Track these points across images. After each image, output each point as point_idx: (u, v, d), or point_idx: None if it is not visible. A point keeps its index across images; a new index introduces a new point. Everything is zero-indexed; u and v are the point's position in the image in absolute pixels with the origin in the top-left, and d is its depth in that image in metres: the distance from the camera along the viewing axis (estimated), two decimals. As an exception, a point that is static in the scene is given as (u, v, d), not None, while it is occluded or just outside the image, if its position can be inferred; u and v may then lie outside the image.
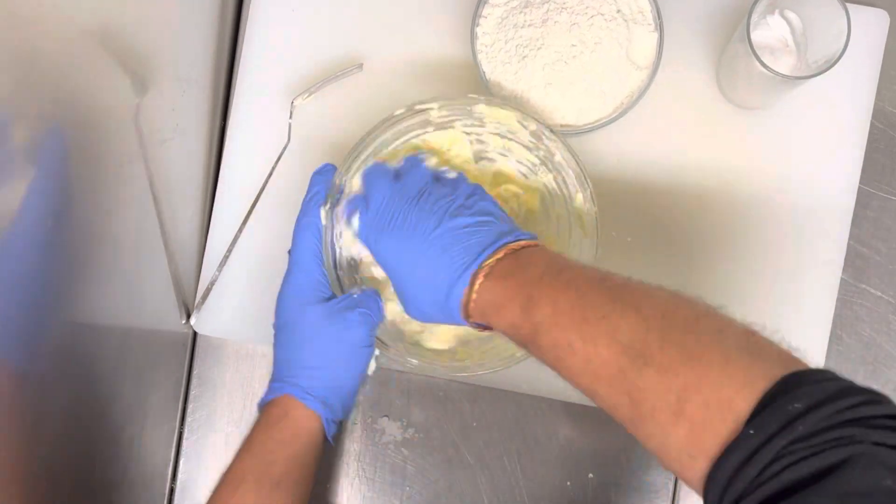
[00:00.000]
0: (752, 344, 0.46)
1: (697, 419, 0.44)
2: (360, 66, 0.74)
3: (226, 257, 0.74)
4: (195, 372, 0.77)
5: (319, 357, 0.63)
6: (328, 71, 0.74)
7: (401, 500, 0.76)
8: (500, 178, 0.70)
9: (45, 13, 0.46)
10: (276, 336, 0.65)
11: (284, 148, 0.75)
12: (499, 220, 0.59)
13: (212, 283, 0.74)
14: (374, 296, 0.65)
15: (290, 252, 0.65)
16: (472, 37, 0.70)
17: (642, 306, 0.49)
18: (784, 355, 0.45)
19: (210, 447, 0.77)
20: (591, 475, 0.76)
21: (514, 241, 0.57)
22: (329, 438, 0.64)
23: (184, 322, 0.75)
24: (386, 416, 0.77)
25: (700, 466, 0.43)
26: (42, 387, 0.53)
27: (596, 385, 0.49)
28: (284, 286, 0.65)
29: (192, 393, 0.77)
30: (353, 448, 0.77)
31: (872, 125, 0.74)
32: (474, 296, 0.56)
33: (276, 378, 0.64)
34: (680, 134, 0.74)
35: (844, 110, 0.74)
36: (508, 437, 0.76)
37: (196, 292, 0.76)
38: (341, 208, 0.64)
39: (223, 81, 0.77)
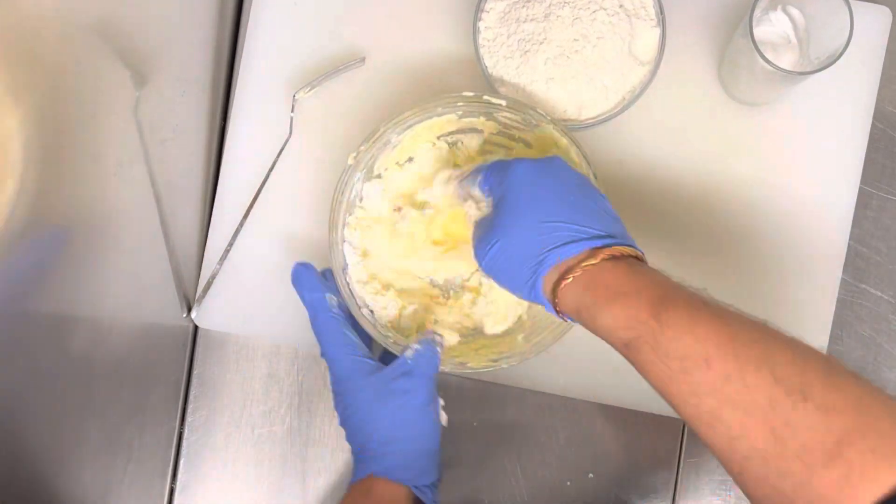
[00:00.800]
0: None
1: (857, 465, 0.41)
2: (363, 60, 0.74)
3: (227, 251, 0.74)
4: (195, 372, 0.77)
5: (388, 431, 0.62)
6: (330, 65, 0.75)
7: (401, 500, 0.76)
8: None
9: (45, 8, 0.46)
10: (344, 424, 0.64)
11: (286, 142, 0.75)
12: (621, 225, 0.57)
13: (213, 277, 0.74)
14: (428, 347, 0.63)
15: (323, 355, 0.65)
16: (475, 31, 0.70)
17: (799, 344, 0.46)
18: None
19: (210, 447, 0.77)
20: (591, 475, 0.76)
21: (637, 250, 0.54)
22: (431, 501, 0.63)
23: (185, 315, 0.75)
24: (386, 416, 0.77)
25: None
26: (43, 381, 0.53)
27: (725, 410, 0.45)
28: (333, 386, 0.65)
29: (192, 393, 0.77)
30: (353, 448, 0.77)
31: (872, 125, 0.74)
32: (579, 272, 0.52)
33: (358, 459, 0.64)
34: (681, 130, 0.74)
35: (846, 107, 0.74)
36: (508, 437, 0.76)
37: (197, 286, 0.76)
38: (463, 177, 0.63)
39: (223, 78, 0.77)
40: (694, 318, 0.47)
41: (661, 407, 0.73)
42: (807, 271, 0.73)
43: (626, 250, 0.53)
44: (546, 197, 0.56)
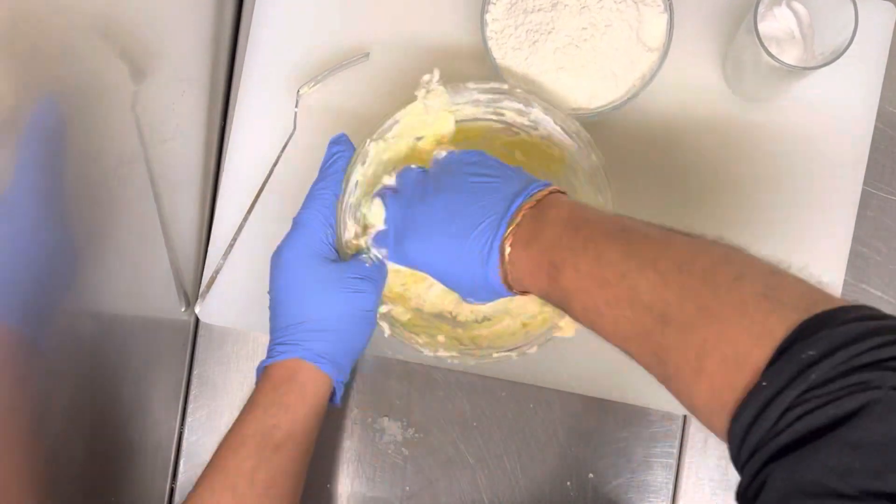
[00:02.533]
0: (772, 288, 0.44)
1: (717, 375, 0.43)
2: (367, 55, 0.74)
3: (230, 246, 0.74)
4: (195, 372, 0.77)
5: (331, 320, 0.61)
6: (334, 60, 0.74)
7: (401, 500, 0.76)
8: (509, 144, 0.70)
9: (44, 4, 0.46)
10: (275, 298, 0.63)
11: (290, 136, 0.75)
12: (507, 179, 0.58)
13: (216, 272, 0.74)
14: (382, 267, 0.64)
15: (297, 215, 0.64)
16: (482, 23, 0.70)
17: (659, 260, 0.48)
18: (806, 296, 0.43)
19: (210, 447, 0.77)
20: (591, 475, 0.76)
21: (528, 199, 0.56)
22: (337, 401, 0.63)
23: (183, 310, 0.75)
24: (386, 416, 0.76)
25: (722, 422, 0.43)
26: (49, 376, 0.53)
27: (627, 346, 0.49)
28: (286, 246, 0.63)
29: (192, 393, 0.77)
30: (353, 448, 0.77)
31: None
32: (508, 268, 0.56)
33: (281, 341, 0.62)
34: (684, 125, 0.74)
35: (850, 104, 0.74)
36: (508, 437, 0.76)
37: (196, 281, 0.76)
38: (369, 239, 0.64)
39: (223, 75, 0.77)
40: (579, 273, 0.51)
41: (661, 402, 0.74)
42: (810, 271, 0.73)
43: (517, 219, 0.55)
44: (444, 252, 0.59)
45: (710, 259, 0.47)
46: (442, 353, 0.65)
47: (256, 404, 0.61)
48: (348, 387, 0.76)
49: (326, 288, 0.61)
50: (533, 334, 0.66)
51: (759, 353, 0.41)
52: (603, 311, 0.49)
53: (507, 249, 0.55)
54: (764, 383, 0.40)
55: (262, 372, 0.62)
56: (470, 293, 0.61)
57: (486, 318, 0.70)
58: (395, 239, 0.62)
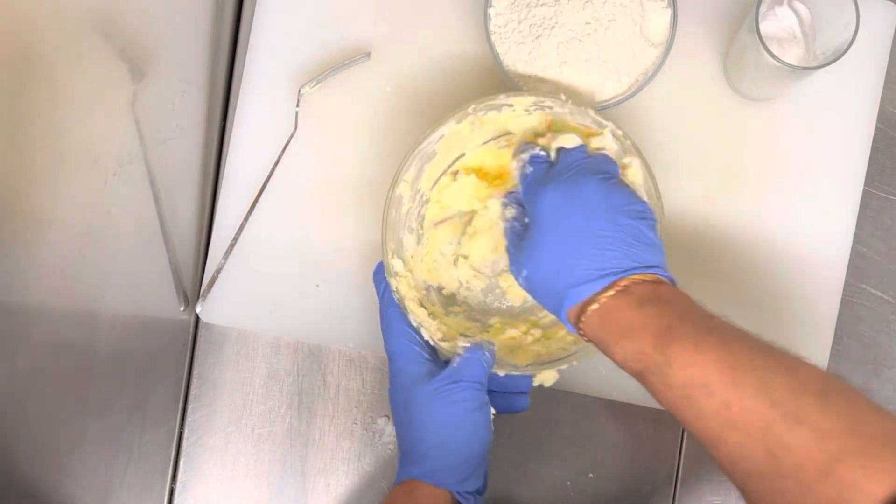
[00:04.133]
0: None
1: (848, 481, 0.43)
2: (368, 54, 0.74)
3: (232, 245, 0.74)
4: (195, 372, 0.77)
5: (435, 435, 0.62)
6: (336, 59, 0.74)
7: (401, 500, 0.76)
8: None
9: (43, 3, 0.46)
10: (396, 428, 0.65)
11: (291, 136, 0.75)
12: (653, 247, 0.58)
13: (217, 271, 0.74)
14: (477, 353, 0.64)
15: (385, 347, 0.66)
16: (486, 18, 0.70)
17: (799, 369, 0.48)
18: None
19: (210, 447, 0.77)
20: (591, 475, 0.76)
21: (658, 274, 0.56)
22: None
23: (182, 309, 0.75)
24: (386, 416, 0.76)
25: None
26: (48, 375, 0.53)
27: (726, 432, 0.48)
28: (391, 380, 0.65)
29: (192, 393, 0.77)
30: (353, 448, 0.76)
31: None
32: (596, 306, 0.55)
33: (403, 462, 0.64)
34: (685, 125, 0.74)
35: (851, 104, 0.74)
36: (509, 437, 0.76)
37: (196, 281, 0.76)
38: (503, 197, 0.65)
39: (223, 75, 0.77)
40: (697, 348, 0.50)
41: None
42: (809, 272, 0.73)
43: (646, 277, 0.55)
44: (570, 230, 0.57)
45: (847, 386, 0.48)
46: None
47: None
48: (355, 392, 0.76)
49: (425, 406, 0.62)
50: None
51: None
52: (715, 390, 0.48)
53: (609, 293, 0.54)
54: None
55: (391, 489, 0.64)
56: (538, 281, 0.59)
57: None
58: (555, 169, 0.60)
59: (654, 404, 0.74)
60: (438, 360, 0.66)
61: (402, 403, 0.64)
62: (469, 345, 0.64)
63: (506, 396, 0.68)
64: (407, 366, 0.64)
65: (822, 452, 0.45)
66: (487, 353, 0.64)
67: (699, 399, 0.49)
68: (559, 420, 0.76)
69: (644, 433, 0.76)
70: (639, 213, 0.58)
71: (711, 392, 0.49)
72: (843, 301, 0.74)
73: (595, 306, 0.55)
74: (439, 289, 0.72)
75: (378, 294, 0.67)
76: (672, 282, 0.57)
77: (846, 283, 0.74)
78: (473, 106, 0.65)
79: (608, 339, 0.55)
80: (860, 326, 0.75)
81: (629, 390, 0.74)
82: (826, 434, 0.45)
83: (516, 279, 0.62)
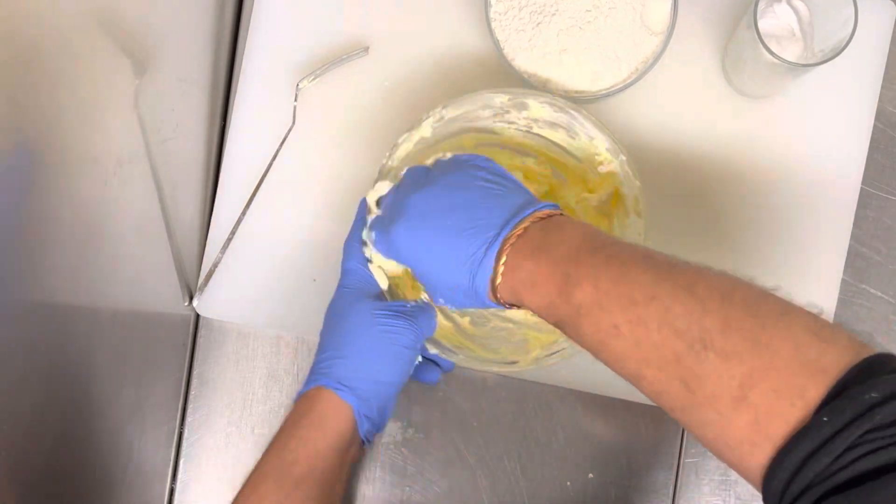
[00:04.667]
0: (820, 329, 0.44)
1: (763, 406, 0.42)
2: (366, 49, 0.75)
3: (229, 239, 0.74)
4: (195, 372, 0.77)
5: (360, 352, 0.61)
6: (334, 54, 0.75)
7: (401, 500, 0.76)
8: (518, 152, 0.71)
9: (44, 3, 0.46)
10: (320, 339, 0.64)
11: (289, 130, 0.75)
12: (515, 189, 0.57)
13: (215, 266, 0.74)
14: (427, 310, 0.63)
15: (342, 265, 0.65)
16: (486, 4, 0.70)
17: (696, 287, 0.47)
18: (853, 341, 0.44)
19: (210, 447, 0.77)
20: (591, 475, 0.76)
21: (538, 210, 0.54)
22: (363, 436, 0.62)
23: (186, 304, 0.75)
24: (386, 416, 0.77)
25: (762, 455, 0.42)
26: (47, 375, 0.53)
27: (643, 369, 0.47)
28: (337, 291, 0.64)
29: (192, 393, 0.77)
30: (353, 448, 0.77)
31: (872, 125, 0.74)
32: (501, 274, 0.54)
33: (312, 372, 0.62)
34: (683, 120, 0.74)
35: (849, 102, 0.74)
36: (508, 437, 0.76)
37: (198, 275, 0.76)
38: (368, 227, 0.63)
39: (224, 69, 0.78)
40: (598, 289, 0.49)
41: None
42: (807, 269, 0.73)
43: (523, 224, 0.54)
44: (432, 243, 0.57)
45: (749, 292, 0.47)
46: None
47: (278, 438, 0.61)
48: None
49: (358, 320, 0.61)
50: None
51: (814, 389, 0.41)
52: (623, 330, 0.47)
53: (504, 256, 0.53)
54: (825, 419, 0.40)
55: (295, 400, 0.63)
56: (448, 295, 0.58)
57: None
58: (383, 223, 0.60)
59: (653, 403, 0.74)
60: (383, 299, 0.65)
61: (339, 313, 0.63)
62: (426, 301, 0.64)
63: (426, 364, 0.68)
64: (359, 284, 0.63)
65: (731, 379, 0.43)
66: (435, 319, 0.64)
67: (611, 342, 0.48)
68: (559, 420, 0.76)
69: (644, 433, 0.76)
70: (476, 167, 0.58)
71: (621, 333, 0.48)
72: (842, 301, 0.74)
73: (501, 274, 0.54)
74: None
75: (356, 217, 0.66)
76: (553, 208, 0.55)
77: (846, 283, 0.74)
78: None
79: (523, 301, 0.53)
80: (860, 326, 0.75)
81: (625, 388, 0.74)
82: (732, 357, 0.44)
83: (424, 281, 0.60)
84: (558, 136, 0.69)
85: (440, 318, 0.70)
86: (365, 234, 0.63)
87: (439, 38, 0.75)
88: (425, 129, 0.67)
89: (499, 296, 0.55)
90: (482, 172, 0.58)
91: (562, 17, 0.68)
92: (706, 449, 0.48)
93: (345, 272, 0.65)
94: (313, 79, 0.75)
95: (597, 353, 0.50)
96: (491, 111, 0.68)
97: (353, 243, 0.65)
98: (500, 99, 0.66)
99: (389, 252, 0.60)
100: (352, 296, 0.63)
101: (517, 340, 0.69)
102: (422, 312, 0.63)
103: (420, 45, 0.75)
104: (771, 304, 0.46)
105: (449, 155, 0.62)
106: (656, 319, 0.46)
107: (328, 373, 0.61)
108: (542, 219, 0.54)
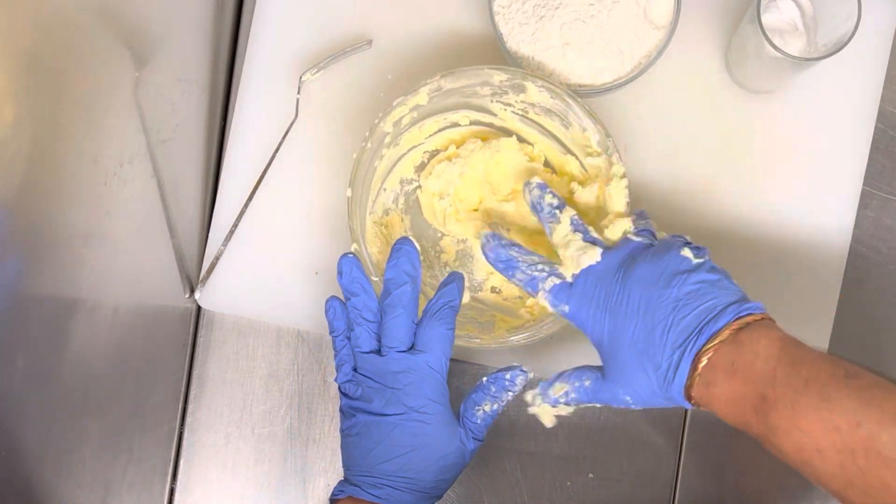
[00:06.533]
0: None
1: None
2: (369, 42, 0.75)
3: (231, 232, 0.74)
4: (195, 372, 0.77)
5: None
6: (337, 47, 0.75)
7: (401, 500, 0.76)
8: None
9: (44, 3, 0.46)
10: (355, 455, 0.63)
11: (292, 123, 0.75)
12: (719, 286, 0.55)
13: (216, 258, 0.74)
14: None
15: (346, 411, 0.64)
16: None
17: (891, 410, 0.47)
18: None
19: (210, 447, 0.77)
20: (591, 475, 0.76)
21: (736, 320, 0.53)
22: None
23: (187, 296, 0.75)
24: (386, 416, 0.76)
25: None
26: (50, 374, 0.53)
27: (847, 491, 0.48)
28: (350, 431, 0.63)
29: (192, 393, 0.77)
30: (353, 448, 0.76)
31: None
32: (696, 381, 0.53)
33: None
34: (686, 114, 0.74)
35: (851, 98, 0.74)
36: (508, 438, 0.76)
37: (200, 268, 0.76)
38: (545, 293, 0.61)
39: (224, 65, 0.78)
40: (796, 412, 0.49)
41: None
42: (807, 267, 0.73)
43: (721, 336, 0.53)
44: (626, 332, 0.56)
45: None
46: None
47: None
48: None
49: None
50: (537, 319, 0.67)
51: None
52: (827, 455, 0.48)
53: (702, 365, 0.53)
54: None
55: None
56: (636, 394, 0.57)
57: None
58: (578, 298, 0.59)
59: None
60: None
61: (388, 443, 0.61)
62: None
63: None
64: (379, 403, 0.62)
65: None
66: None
67: (814, 462, 0.49)
68: (559, 420, 0.76)
69: (644, 433, 0.76)
70: (677, 265, 0.56)
71: (825, 457, 0.48)
72: (843, 301, 0.74)
73: (697, 382, 0.53)
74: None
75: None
76: (754, 309, 0.54)
77: (846, 283, 0.74)
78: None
79: (718, 413, 0.54)
80: (860, 326, 0.75)
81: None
82: None
83: (615, 380, 0.58)
84: (552, 125, 0.69)
85: None
86: (543, 289, 0.61)
87: (443, 32, 0.75)
88: (422, 97, 0.67)
89: (693, 401, 0.55)
90: (684, 268, 0.56)
91: (565, 11, 0.68)
92: None
93: (349, 414, 0.63)
94: (316, 72, 0.75)
95: (798, 468, 0.51)
96: (489, 89, 0.68)
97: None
98: (499, 77, 0.67)
99: (588, 329, 0.59)
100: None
101: (485, 321, 0.70)
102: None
103: (423, 39, 0.75)
104: None
105: (636, 238, 0.60)
106: (863, 448, 0.47)
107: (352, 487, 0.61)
108: (741, 328, 0.53)
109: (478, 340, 0.66)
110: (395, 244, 0.62)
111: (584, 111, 0.65)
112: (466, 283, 0.71)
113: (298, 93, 0.75)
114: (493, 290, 0.73)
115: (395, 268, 0.61)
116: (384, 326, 0.61)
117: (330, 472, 0.76)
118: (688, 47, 0.73)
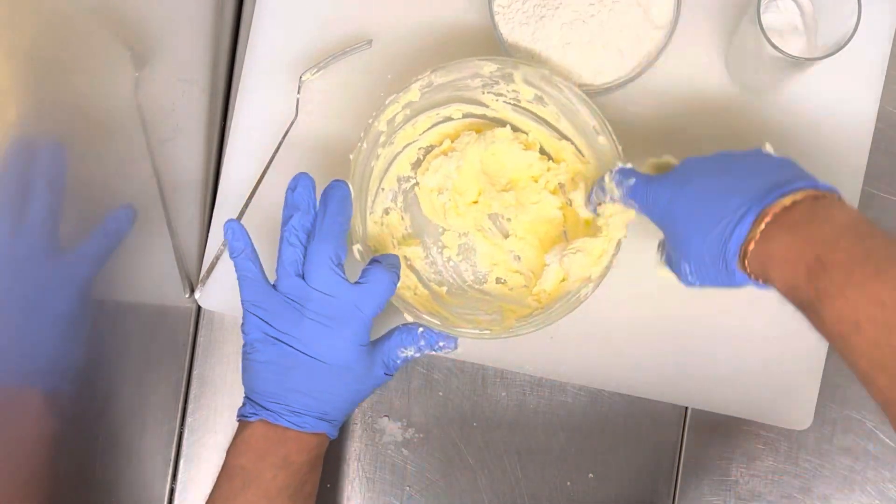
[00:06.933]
0: None
1: None
2: (370, 42, 0.75)
3: None
4: (195, 372, 0.77)
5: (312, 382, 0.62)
6: (337, 46, 0.75)
7: (401, 501, 0.76)
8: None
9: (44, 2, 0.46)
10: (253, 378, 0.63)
11: (292, 123, 0.75)
12: (790, 165, 0.54)
13: (216, 258, 0.75)
14: (377, 271, 0.62)
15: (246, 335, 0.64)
16: None
17: None
18: None
19: (210, 447, 0.77)
20: (591, 475, 0.76)
21: (814, 188, 0.52)
22: (333, 436, 0.64)
23: (187, 296, 0.75)
24: (386, 416, 0.76)
25: None
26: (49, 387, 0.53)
27: (876, 373, 0.46)
28: (246, 357, 0.64)
29: (192, 393, 0.77)
30: (353, 448, 0.76)
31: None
32: (754, 243, 0.51)
33: (259, 406, 0.62)
34: (685, 114, 0.74)
35: (851, 102, 0.73)
36: (508, 437, 0.76)
37: (200, 267, 0.76)
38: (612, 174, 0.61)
39: (224, 65, 0.78)
40: (849, 280, 0.47)
41: (661, 393, 0.74)
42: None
43: (794, 196, 0.52)
44: (693, 200, 0.56)
45: None
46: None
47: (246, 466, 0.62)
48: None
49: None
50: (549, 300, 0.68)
51: None
52: (864, 328, 0.46)
53: (764, 223, 0.51)
54: None
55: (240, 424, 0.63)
56: (696, 259, 0.56)
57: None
58: (645, 175, 0.59)
59: (653, 401, 0.74)
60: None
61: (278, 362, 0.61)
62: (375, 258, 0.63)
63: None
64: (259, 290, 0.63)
65: None
66: (388, 273, 0.62)
67: (850, 337, 0.47)
68: (559, 420, 0.76)
69: (644, 433, 0.76)
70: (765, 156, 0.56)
71: (860, 330, 0.46)
72: (843, 301, 0.74)
73: (754, 244, 0.51)
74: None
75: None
76: (831, 191, 0.53)
77: (846, 283, 0.74)
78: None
79: (769, 277, 0.51)
80: (860, 326, 0.75)
81: (627, 382, 0.74)
82: None
83: (675, 241, 0.58)
84: (545, 112, 0.69)
85: (417, 285, 0.70)
86: (608, 181, 0.62)
87: (443, 32, 0.75)
88: (413, 93, 0.67)
89: (747, 264, 0.53)
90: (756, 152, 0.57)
91: (565, 11, 0.68)
92: None
93: (254, 340, 0.62)
94: (316, 71, 0.75)
95: (833, 343, 0.49)
96: (480, 80, 0.69)
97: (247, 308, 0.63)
98: (489, 68, 0.67)
99: (646, 203, 0.59)
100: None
101: (493, 313, 0.70)
102: (375, 274, 0.61)
103: (424, 38, 0.75)
104: None
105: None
106: None
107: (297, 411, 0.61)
108: (815, 198, 0.52)
109: (488, 332, 0.66)
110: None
111: (576, 95, 0.66)
112: (471, 277, 0.72)
113: (298, 92, 0.75)
114: (497, 280, 0.73)
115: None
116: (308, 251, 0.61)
117: (329, 472, 0.76)
118: (688, 47, 0.73)
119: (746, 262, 0.52)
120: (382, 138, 0.69)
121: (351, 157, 0.66)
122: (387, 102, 0.67)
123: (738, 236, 0.52)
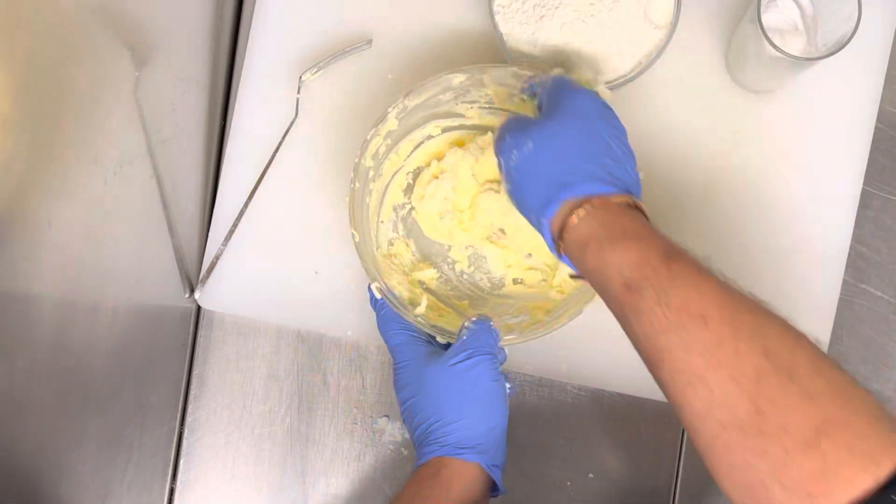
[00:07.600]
0: (888, 414, 0.43)
1: (833, 460, 0.41)
2: (369, 42, 0.75)
3: (231, 232, 0.75)
4: (195, 372, 0.77)
5: (458, 409, 0.62)
6: (337, 46, 0.75)
7: (401, 500, 0.76)
8: None
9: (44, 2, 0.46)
10: (408, 415, 0.65)
11: (292, 123, 0.75)
12: (626, 160, 0.57)
13: (216, 258, 0.75)
14: (484, 330, 0.64)
15: (389, 347, 0.67)
16: None
17: (790, 327, 0.46)
18: None
19: (210, 447, 0.77)
20: (591, 475, 0.76)
21: (633, 198, 0.55)
22: (499, 485, 0.63)
23: (187, 296, 0.75)
24: (386, 416, 0.76)
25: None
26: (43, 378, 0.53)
27: (710, 372, 0.45)
28: (397, 372, 0.66)
29: (192, 393, 0.77)
30: (353, 448, 0.77)
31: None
32: (598, 204, 0.53)
33: (420, 446, 0.63)
34: (686, 114, 0.74)
35: (851, 98, 0.74)
36: (509, 437, 0.76)
37: (200, 267, 0.76)
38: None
39: (224, 65, 0.78)
40: (701, 275, 0.48)
41: (659, 393, 0.73)
42: (808, 266, 0.73)
43: (641, 205, 0.55)
44: (594, 131, 0.57)
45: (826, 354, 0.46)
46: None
47: (402, 498, 0.61)
48: (355, 392, 0.76)
49: (442, 383, 0.62)
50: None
51: (887, 463, 0.40)
52: (710, 323, 0.46)
53: (588, 206, 0.53)
54: (894, 497, 0.40)
55: (413, 473, 0.63)
56: (528, 215, 0.59)
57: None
58: (524, 125, 0.60)
59: (653, 401, 0.74)
60: (439, 344, 0.67)
61: (415, 388, 0.63)
62: (474, 318, 0.64)
63: None
64: (413, 353, 0.65)
65: (808, 418, 0.42)
66: (492, 324, 0.64)
67: (692, 328, 0.46)
68: (559, 420, 0.76)
69: (644, 433, 0.76)
70: (632, 154, 0.58)
71: (707, 324, 0.45)
72: (843, 301, 0.74)
73: (597, 205, 0.53)
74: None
75: (376, 306, 0.68)
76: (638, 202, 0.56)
77: (846, 283, 0.74)
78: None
79: (606, 240, 0.52)
80: (860, 326, 0.75)
81: (627, 383, 0.74)
82: (815, 398, 0.42)
83: (504, 163, 0.59)
84: (524, 107, 0.69)
85: (441, 307, 0.70)
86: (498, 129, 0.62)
87: (443, 31, 0.75)
88: (391, 122, 0.68)
89: (568, 227, 0.54)
90: (632, 159, 0.58)
91: (565, 11, 0.68)
92: (717, 482, 0.46)
93: (394, 349, 0.66)
94: (316, 71, 0.75)
95: (659, 335, 0.48)
96: (452, 93, 0.69)
97: (387, 323, 0.67)
98: (458, 79, 0.67)
99: (503, 151, 0.59)
100: (416, 365, 0.64)
101: (519, 314, 0.70)
102: (481, 334, 0.63)
103: (424, 38, 0.75)
104: (849, 373, 0.45)
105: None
106: (749, 330, 0.45)
107: (441, 441, 0.62)
108: (624, 202, 0.54)
109: (512, 337, 0.66)
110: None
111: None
112: (488, 285, 0.73)
113: (298, 93, 0.75)
114: (515, 281, 0.73)
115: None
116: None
117: (330, 472, 0.76)
118: (688, 47, 0.73)
119: (570, 221, 0.54)
120: (371, 173, 0.69)
121: (346, 199, 0.66)
122: (368, 137, 0.67)
123: (588, 190, 0.55)
